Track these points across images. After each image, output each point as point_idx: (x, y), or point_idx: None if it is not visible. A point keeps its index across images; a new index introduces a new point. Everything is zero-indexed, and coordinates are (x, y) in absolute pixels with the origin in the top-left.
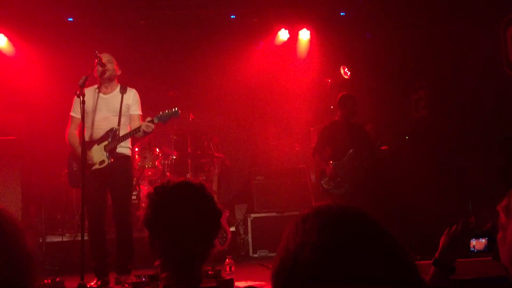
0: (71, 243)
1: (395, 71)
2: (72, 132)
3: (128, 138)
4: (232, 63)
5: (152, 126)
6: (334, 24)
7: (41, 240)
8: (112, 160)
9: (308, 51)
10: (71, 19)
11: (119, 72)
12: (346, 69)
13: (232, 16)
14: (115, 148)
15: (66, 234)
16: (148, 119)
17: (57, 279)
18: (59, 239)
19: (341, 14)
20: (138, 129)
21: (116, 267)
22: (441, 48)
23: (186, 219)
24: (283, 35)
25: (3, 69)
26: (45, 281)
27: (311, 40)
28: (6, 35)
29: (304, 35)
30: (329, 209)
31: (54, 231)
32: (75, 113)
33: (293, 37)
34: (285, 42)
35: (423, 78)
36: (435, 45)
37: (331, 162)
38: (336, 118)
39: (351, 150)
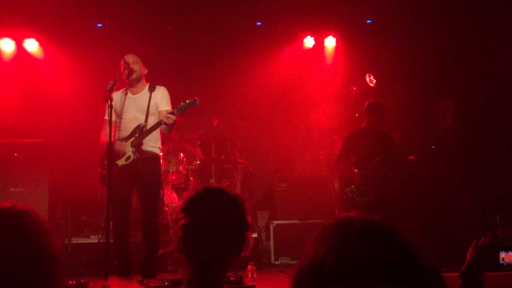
0: (96, 245)
1: (422, 80)
2: (107, 133)
3: (153, 131)
4: (257, 70)
5: (173, 117)
6: (360, 31)
7: (66, 241)
8: (138, 155)
9: (333, 59)
10: (100, 25)
11: (145, 71)
12: (372, 76)
13: (258, 23)
14: (141, 143)
15: (91, 236)
16: (169, 110)
17: (82, 280)
18: (84, 240)
19: (367, 21)
20: (160, 122)
21: (142, 269)
22: (469, 56)
23: (217, 225)
24: (308, 42)
25: (33, 73)
26: (70, 282)
27: (336, 48)
28: (37, 39)
29: (330, 42)
30: (350, 219)
31: (80, 232)
32: (109, 116)
33: (319, 44)
34: (310, 49)
35: (451, 87)
36: (463, 53)
37: (356, 170)
38: (363, 126)
39: (377, 158)
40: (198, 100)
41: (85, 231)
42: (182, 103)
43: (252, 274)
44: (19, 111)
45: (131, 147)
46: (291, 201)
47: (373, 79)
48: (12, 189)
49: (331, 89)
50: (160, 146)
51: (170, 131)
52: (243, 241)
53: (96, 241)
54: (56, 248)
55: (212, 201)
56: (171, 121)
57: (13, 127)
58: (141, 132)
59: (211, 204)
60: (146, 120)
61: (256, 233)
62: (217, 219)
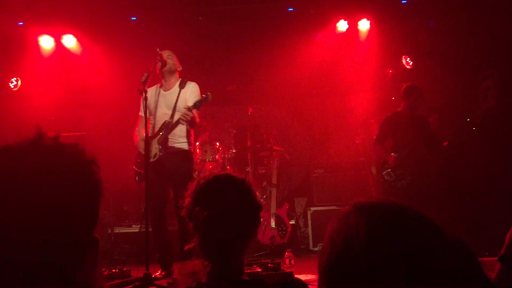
0: (137, 234)
1: (461, 59)
2: (140, 130)
3: (175, 127)
4: (290, 56)
5: (191, 114)
6: (395, 12)
7: (109, 231)
8: (163, 152)
9: (368, 42)
10: (134, 18)
11: (180, 68)
12: (408, 59)
13: (290, 9)
14: (167, 139)
15: (133, 226)
16: (185, 107)
17: (124, 269)
18: (126, 230)
19: (403, 2)
20: (178, 120)
21: (180, 257)
22: (509, 32)
23: (224, 210)
24: (342, 26)
25: (72, 69)
26: (113, 270)
27: (370, 30)
28: (74, 35)
29: (364, 25)
30: (373, 204)
31: (122, 222)
32: (143, 112)
33: (352, 28)
34: (344, 33)
35: (491, 66)
36: (503, 30)
37: (393, 153)
38: (399, 109)
39: (414, 142)
40: (210, 95)
41: (126, 221)
42: (195, 100)
43: (290, 261)
44: (60, 106)
45: (158, 144)
46: (328, 187)
47: (409, 61)
48: None
49: (366, 73)
50: (190, 141)
51: (193, 126)
52: (258, 223)
53: (137, 230)
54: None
55: (223, 189)
56: (189, 118)
57: (54, 121)
58: (166, 129)
59: (222, 192)
60: (171, 117)
61: (293, 220)
62: (232, 206)
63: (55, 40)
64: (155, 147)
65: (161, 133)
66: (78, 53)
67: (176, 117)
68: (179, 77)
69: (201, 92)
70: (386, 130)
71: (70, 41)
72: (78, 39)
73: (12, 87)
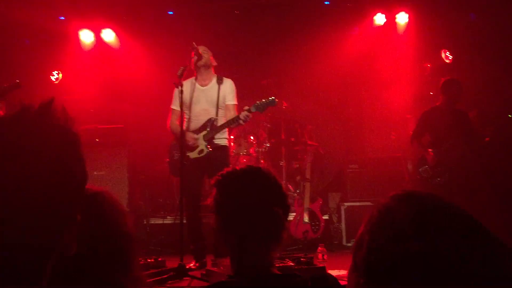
0: (172, 225)
1: (502, 54)
2: (174, 122)
3: (226, 127)
4: (326, 50)
5: (250, 115)
6: (434, 5)
7: (145, 222)
8: (210, 149)
9: (405, 35)
10: (171, 13)
11: (215, 63)
12: (448, 52)
13: (326, 2)
14: (213, 137)
15: (168, 217)
16: (246, 108)
17: (159, 259)
18: (161, 221)
19: None
20: (236, 118)
21: (214, 250)
22: None
23: (251, 203)
24: (379, 19)
25: (111, 62)
26: (149, 260)
27: (409, 24)
28: (113, 30)
29: (402, 18)
30: (415, 196)
31: (157, 213)
32: (175, 106)
33: (390, 21)
34: (381, 27)
35: None
36: None
37: (431, 149)
38: (438, 104)
39: (454, 138)
40: (276, 101)
41: (162, 212)
42: (258, 101)
43: (323, 256)
44: (99, 99)
45: (204, 141)
46: (362, 183)
47: (449, 55)
48: (95, 173)
49: (404, 67)
50: (228, 137)
51: (239, 125)
52: (285, 218)
53: (172, 221)
54: (129, 227)
55: (251, 181)
56: (248, 120)
57: (94, 114)
58: (212, 126)
59: (250, 184)
60: (216, 114)
61: (327, 215)
62: (258, 200)
63: (95, 35)
64: (201, 143)
65: (207, 130)
66: (116, 47)
67: (220, 113)
68: (214, 72)
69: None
70: (424, 126)
71: (109, 35)
72: (117, 33)
73: (54, 79)
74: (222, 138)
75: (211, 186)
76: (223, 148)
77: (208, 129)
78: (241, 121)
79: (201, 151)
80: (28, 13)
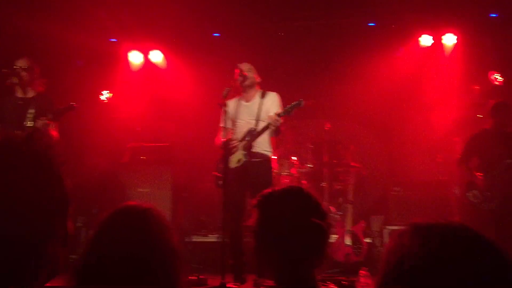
0: (214, 243)
1: None
2: (221, 139)
3: (261, 133)
4: (370, 71)
5: (280, 120)
6: (483, 26)
7: (187, 240)
8: (248, 158)
9: (453, 57)
10: (216, 34)
11: (259, 80)
12: (498, 74)
13: (370, 24)
14: (251, 145)
15: (210, 235)
16: (276, 112)
17: (201, 276)
18: (203, 239)
19: (491, 15)
20: (267, 124)
21: (257, 269)
22: None
23: (292, 222)
24: (425, 40)
25: (158, 82)
26: (190, 277)
27: (456, 45)
28: (161, 51)
29: (449, 39)
30: (428, 223)
31: (199, 231)
32: (224, 123)
33: (437, 42)
34: (427, 48)
35: None
36: None
37: (481, 174)
38: (487, 127)
39: (506, 161)
40: (303, 102)
41: (203, 230)
42: (287, 106)
43: (365, 280)
44: (146, 118)
45: (242, 150)
46: (406, 206)
47: (498, 77)
48: (139, 189)
49: (451, 89)
50: (272, 150)
51: (278, 134)
52: (326, 240)
53: (214, 240)
54: (175, 243)
55: (292, 203)
56: (278, 124)
57: (140, 132)
58: (251, 135)
59: (291, 206)
60: (256, 125)
61: (369, 238)
62: (299, 221)
63: (143, 56)
64: (240, 152)
65: (246, 139)
66: (163, 67)
67: (261, 125)
68: (259, 88)
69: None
70: (472, 149)
71: (157, 57)
72: (164, 55)
73: (103, 99)
74: (266, 151)
75: (253, 207)
76: (266, 160)
77: (247, 138)
78: (271, 126)
79: (239, 160)
80: (81, 36)
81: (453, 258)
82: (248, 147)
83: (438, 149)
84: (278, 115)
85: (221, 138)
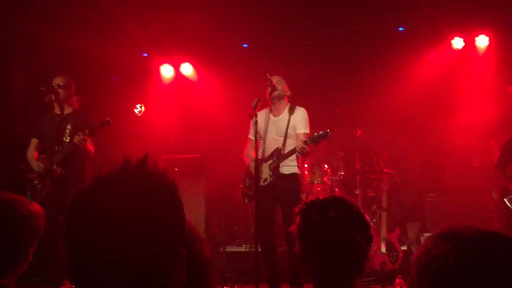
0: (247, 253)
1: None
2: (249, 152)
3: (289, 157)
4: (401, 76)
5: (306, 148)
6: None
7: (221, 250)
8: (274, 178)
9: (486, 58)
10: (245, 45)
11: (289, 93)
12: None
13: (400, 29)
14: (278, 166)
15: (243, 245)
16: (303, 140)
17: (235, 286)
18: (237, 249)
19: None
20: (294, 150)
21: (288, 279)
22: None
23: (333, 232)
24: (457, 43)
25: (189, 94)
26: (225, 287)
27: (489, 47)
28: (191, 63)
29: (482, 41)
30: (461, 233)
31: (233, 241)
32: (252, 135)
33: (469, 45)
34: (459, 51)
35: None
36: None
37: None
38: None
39: None
40: (329, 133)
41: (237, 240)
42: (314, 134)
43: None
44: (178, 130)
45: (269, 170)
46: (443, 213)
47: None
48: None
49: (485, 92)
50: (298, 165)
51: (305, 156)
52: (369, 248)
53: (248, 250)
54: (208, 254)
55: (337, 211)
56: (305, 152)
57: (173, 144)
58: (278, 155)
59: (321, 215)
60: (284, 144)
61: (405, 246)
62: (343, 230)
63: (174, 69)
64: (265, 172)
65: (273, 159)
66: (194, 80)
67: (289, 142)
68: (288, 101)
69: (309, 117)
70: (509, 154)
71: (187, 69)
72: (195, 67)
73: (137, 113)
74: (292, 166)
75: (286, 217)
76: (292, 176)
77: (274, 158)
78: (297, 153)
79: (265, 179)
80: (115, 52)
81: (485, 264)
82: (274, 169)
83: (474, 153)
84: (305, 142)
85: (249, 151)
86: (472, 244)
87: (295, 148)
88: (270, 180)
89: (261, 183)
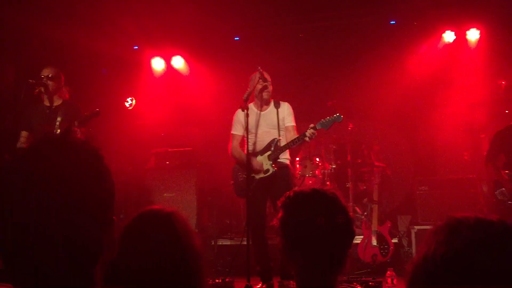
0: (238, 246)
1: None
2: (235, 148)
3: (291, 147)
4: (392, 70)
5: (315, 132)
6: (507, 20)
7: (213, 243)
8: (276, 168)
9: (477, 52)
10: (237, 38)
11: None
12: None
13: (391, 22)
14: (278, 157)
15: (235, 238)
16: (311, 125)
17: (227, 279)
18: (228, 242)
19: None
20: (302, 136)
21: (280, 272)
22: None
23: (315, 224)
24: (448, 37)
25: (180, 88)
26: (217, 280)
27: (480, 40)
28: (182, 56)
29: (473, 35)
30: (463, 217)
31: (224, 234)
32: (237, 130)
33: (460, 38)
34: (450, 44)
35: None
36: None
37: (507, 172)
38: None
39: None
40: (341, 117)
41: (228, 234)
42: (324, 119)
43: (392, 280)
44: (169, 123)
45: (269, 160)
46: (433, 205)
47: None
48: (165, 194)
49: (476, 85)
50: (289, 157)
51: (301, 145)
52: (350, 239)
53: (239, 243)
54: (199, 247)
55: (315, 203)
56: (314, 137)
57: (164, 137)
58: (276, 146)
59: (314, 206)
60: (279, 135)
61: (396, 238)
62: (323, 222)
63: (165, 62)
64: (266, 163)
65: (271, 150)
66: (185, 73)
67: (281, 134)
68: (274, 92)
69: (299, 110)
70: (498, 146)
71: (178, 62)
72: (186, 60)
73: (128, 106)
74: (284, 159)
75: (277, 208)
76: (286, 167)
77: (272, 149)
78: (307, 139)
79: (267, 170)
80: (105, 44)
81: (491, 251)
82: (275, 158)
83: (465, 146)
84: (314, 128)
85: (235, 146)
86: (477, 229)
87: (304, 133)
88: (273, 170)
89: (262, 175)
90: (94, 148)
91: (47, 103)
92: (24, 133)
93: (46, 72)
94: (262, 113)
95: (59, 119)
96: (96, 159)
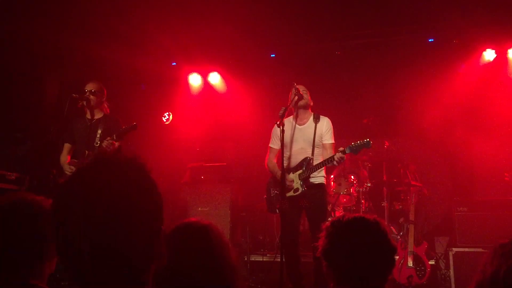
0: (271, 263)
1: None
2: (271, 161)
3: (321, 167)
4: (430, 88)
5: (344, 157)
6: None
7: (246, 258)
8: (306, 188)
9: None
10: (273, 55)
11: (311, 103)
12: None
13: (430, 40)
14: (309, 177)
15: (267, 255)
16: (340, 149)
17: None
18: (261, 258)
19: None
20: (331, 159)
21: None
22: None
23: (359, 252)
24: (488, 55)
25: (216, 103)
26: None
27: None
28: (219, 73)
29: None
30: None
31: (257, 250)
32: (274, 144)
33: (501, 57)
34: (490, 63)
35: None
36: None
37: None
38: None
39: None
40: (371, 143)
41: (261, 250)
42: (353, 143)
43: None
44: (205, 139)
45: (299, 180)
46: (473, 227)
47: None
48: (199, 208)
49: None
50: (325, 175)
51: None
52: (392, 265)
53: (272, 259)
54: (234, 259)
55: (349, 230)
56: (342, 161)
57: (200, 152)
58: (308, 165)
59: (348, 234)
60: (312, 153)
61: (433, 260)
62: (367, 248)
63: (202, 78)
64: (296, 182)
65: (302, 169)
66: (221, 89)
67: (316, 152)
68: (311, 111)
69: (336, 127)
70: None
71: (215, 78)
72: (222, 76)
73: (165, 121)
74: (319, 177)
75: (315, 230)
76: (320, 186)
77: (303, 168)
78: (335, 162)
79: (296, 189)
80: (144, 61)
81: None
82: (306, 178)
83: (505, 167)
84: (343, 152)
85: (271, 159)
86: None
87: (332, 156)
88: (302, 190)
89: (291, 194)
90: (141, 164)
91: (89, 116)
92: (67, 145)
93: (90, 87)
94: (299, 127)
95: (99, 131)
96: (143, 174)
